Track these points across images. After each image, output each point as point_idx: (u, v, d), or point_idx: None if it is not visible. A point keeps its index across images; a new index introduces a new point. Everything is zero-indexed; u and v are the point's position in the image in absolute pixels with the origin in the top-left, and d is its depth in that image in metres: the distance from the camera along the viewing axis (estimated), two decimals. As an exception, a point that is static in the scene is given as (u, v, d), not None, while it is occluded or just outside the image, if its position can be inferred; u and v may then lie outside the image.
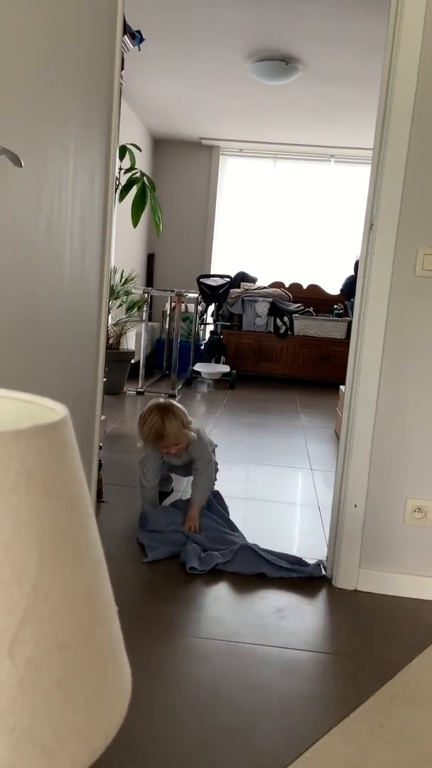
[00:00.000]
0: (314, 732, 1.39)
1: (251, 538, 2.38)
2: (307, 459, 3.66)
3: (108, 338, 4.00)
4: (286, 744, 1.35)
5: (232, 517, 2.56)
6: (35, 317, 1.54)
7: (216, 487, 2.60)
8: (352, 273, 6.45)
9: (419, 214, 1.94)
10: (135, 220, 3.83)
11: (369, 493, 2.07)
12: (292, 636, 1.79)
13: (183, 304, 5.79)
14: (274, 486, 3.16)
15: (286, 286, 6.95)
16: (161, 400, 2.50)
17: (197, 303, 6.31)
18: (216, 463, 2.60)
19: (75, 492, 0.40)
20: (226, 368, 6.13)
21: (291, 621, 1.87)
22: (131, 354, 5.36)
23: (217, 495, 2.60)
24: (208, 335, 6.59)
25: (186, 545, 2.24)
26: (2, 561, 0.34)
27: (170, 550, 2.24)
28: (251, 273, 7.03)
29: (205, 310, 6.63)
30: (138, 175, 3.76)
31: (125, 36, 2.99)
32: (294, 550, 2.39)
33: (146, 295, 5.56)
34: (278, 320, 6.50)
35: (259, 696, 1.52)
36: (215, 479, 2.57)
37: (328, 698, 1.53)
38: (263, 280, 7.02)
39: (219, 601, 1.97)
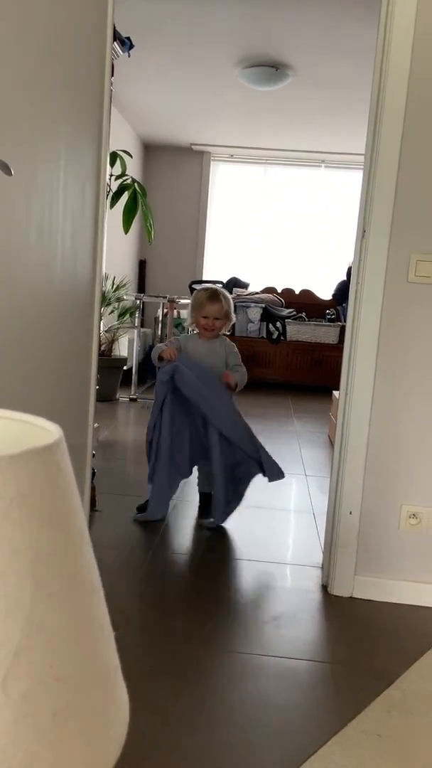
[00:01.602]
0: (312, 743, 1.38)
1: (246, 547, 2.37)
2: (302, 465, 3.65)
3: (100, 345, 3.99)
4: (284, 755, 1.34)
5: (225, 525, 2.54)
6: (27, 326, 1.52)
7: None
8: (344, 278, 6.46)
9: (412, 220, 1.94)
10: (126, 227, 3.82)
11: (364, 499, 2.07)
12: (288, 645, 1.78)
13: (175, 310, 5.77)
14: (269, 493, 3.14)
15: (279, 291, 6.96)
16: None
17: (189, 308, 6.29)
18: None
19: (70, 517, 0.38)
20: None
21: (287, 630, 1.86)
22: (123, 361, 5.34)
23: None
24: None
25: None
26: (-5, 592, 0.32)
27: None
28: (243, 278, 7.03)
29: (197, 316, 6.61)
30: (129, 181, 3.75)
31: (115, 42, 2.99)
32: (289, 558, 2.38)
33: (138, 302, 5.54)
34: (271, 326, 6.49)
35: (256, 706, 1.50)
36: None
37: (326, 708, 1.52)
38: (255, 286, 7.02)
39: (214, 610, 1.95)
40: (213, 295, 2.60)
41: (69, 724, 0.35)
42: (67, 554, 0.37)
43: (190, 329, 2.78)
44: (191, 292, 6.17)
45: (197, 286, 6.18)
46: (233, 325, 6.96)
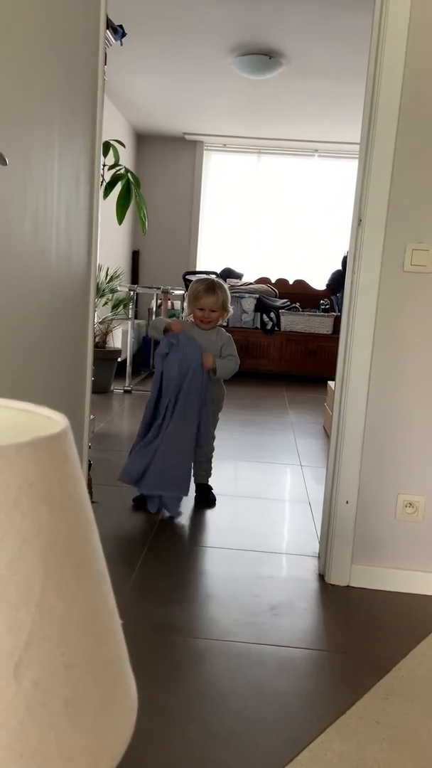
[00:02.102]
0: (311, 730, 1.39)
1: (242, 537, 2.38)
2: (297, 455, 3.66)
3: (94, 337, 3.97)
4: (283, 744, 1.35)
5: (221, 516, 2.55)
6: (21, 317, 1.51)
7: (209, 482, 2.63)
8: (339, 268, 6.45)
9: (407, 209, 1.94)
10: (120, 217, 3.80)
11: (360, 489, 2.07)
12: (286, 634, 1.79)
13: (169, 301, 5.76)
14: (264, 483, 3.16)
15: (273, 281, 6.95)
16: None
17: (183, 300, 6.28)
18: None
19: (77, 504, 0.38)
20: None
21: (285, 619, 1.86)
22: (118, 352, 5.32)
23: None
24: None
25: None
26: (6, 580, 0.32)
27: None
28: (237, 269, 7.01)
29: (191, 307, 6.60)
30: (122, 171, 3.72)
31: (107, 31, 2.96)
32: (286, 548, 2.39)
33: (132, 293, 5.52)
34: (265, 316, 6.49)
35: (254, 695, 1.51)
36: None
37: (324, 696, 1.53)
38: (249, 276, 7.01)
39: (212, 600, 1.96)
40: (210, 287, 2.58)
41: (81, 712, 0.35)
42: (75, 542, 0.37)
43: (187, 319, 2.77)
44: (185, 283, 6.16)
45: (191, 277, 6.16)
46: (227, 316, 6.94)
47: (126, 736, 0.39)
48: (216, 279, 2.69)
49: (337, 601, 2.00)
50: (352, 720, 1.43)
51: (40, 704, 0.33)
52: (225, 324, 2.91)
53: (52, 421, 0.43)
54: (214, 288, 2.58)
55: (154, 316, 6.32)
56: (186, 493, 2.54)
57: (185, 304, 2.75)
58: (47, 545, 0.35)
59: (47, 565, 0.34)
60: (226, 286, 2.67)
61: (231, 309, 2.69)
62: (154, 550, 2.28)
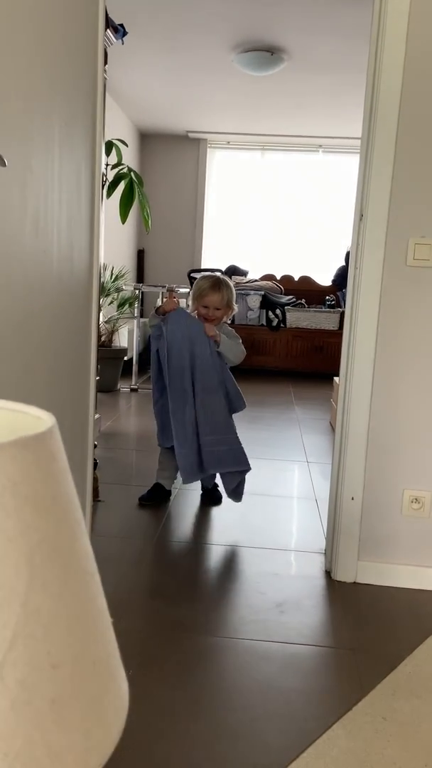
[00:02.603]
0: (318, 727, 1.39)
1: (248, 534, 2.38)
2: (303, 451, 3.65)
3: (100, 336, 3.98)
4: (289, 740, 1.35)
5: (227, 513, 2.55)
6: (24, 318, 1.52)
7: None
8: (344, 264, 6.43)
9: (409, 203, 1.93)
10: (123, 217, 3.80)
11: (366, 485, 2.07)
12: (292, 631, 1.79)
13: (175, 299, 5.75)
14: (271, 480, 3.15)
15: (278, 278, 6.93)
16: None
17: (188, 298, 6.28)
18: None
19: (64, 504, 0.38)
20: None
21: (291, 616, 1.86)
22: (124, 351, 5.33)
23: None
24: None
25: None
26: (-11, 580, 0.32)
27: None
28: (242, 266, 7.00)
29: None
30: (125, 170, 3.72)
31: (108, 30, 2.96)
32: (292, 545, 2.38)
33: (137, 292, 5.53)
34: (270, 313, 6.48)
35: (261, 692, 1.51)
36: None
37: (331, 692, 1.53)
38: (254, 273, 6.99)
39: (218, 598, 1.96)
40: (215, 285, 2.57)
41: (68, 711, 0.35)
42: (62, 541, 0.37)
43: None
44: (190, 281, 6.15)
45: (196, 275, 6.16)
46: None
47: (115, 734, 0.39)
48: (222, 276, 2.68)
49: (344, 598, 2.00)
50: (359, 716, 1.43)
51: (26, 703, 0.33)
52: (230, 321, 2.91)
53: (40, 420, 0.43)
54: (219, 285, 2.57)
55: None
56: (248, 465, 2.58)
57: (189, 301, 2.74)
58: (33, 544, 0.35)
59: (33, 564, 0.34)
60: (231, 283, 2.66)
61: (236, 307, 2.68)
62: (160, 547, 2.29)
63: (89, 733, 0.36)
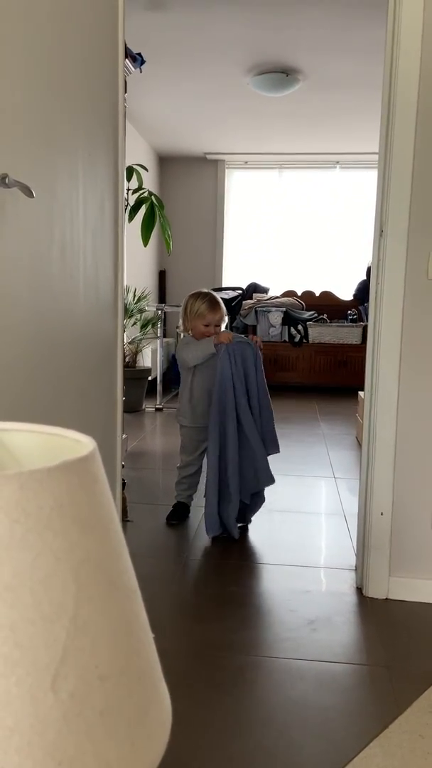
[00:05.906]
0: (354, 746, 1.38)
1: (278, 552, 2.37)
2: (330, 467, 3.64)
3: (124, 357, 4.03)
4: (326, 758, 1.34)
5: (256, 531, 2.55)
6: (52, 342, 1.56)
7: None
8: (365, 278, 6.43)
9: (429, 217, 1.94)
10: (145, 239, 3.87)
11: (395, 499, 2.05)
12: (325, 648, 1.77)
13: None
14: (299, 496, 3.14)
15: (299, 294, 6.95)
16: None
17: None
18: None
19: (107, 523, 0.40)
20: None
21: (323, 633, 1.85)
22: (148, 371, 5.38)
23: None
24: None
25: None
26: (41, 597, 0.34)
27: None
28: (263, 283, 7.04)
29: (219, 323, 6.64)
30: (146, 194, 3.80)
31: (126, 59, 3.04)
32: (322, 561, 2.37)
33: (160, 312, 5.59)
34: (292, 329, 6.49)
35: (296, 710, 1.50)
36: None
37: (366, 710, 1.51)
38: (275, 290, 7.02)
39: (250, 616, 1.96)
40: (213, 305, 2.66)
41: (116, 723, 0.36)
42: (106, 559, 0.39)
43: (183, 335, 2.82)
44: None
45: (217, 294, 6.21)
46: (255, 331, 6.95)
47: (160, 746, 0.40)
48: (211, 293, 2.75)
49: (376, 615, 1.98)
50: (395, 734, 1.41)
51: (77, 714, 0.34)
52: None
53: (80, 443, 0.45)
54: (217, 303, 2.68)
55: (182, 335, 6.38)
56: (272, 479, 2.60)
57: (181, 321, 2.79)
58: (79, 562, 0.37)
59: (79, 581, 0.36)
60: (219, 297, 2.76)
61: (225, 318, 2.80)
62: (190, 566, 2.29)
63: (136, 743, 0.37)
